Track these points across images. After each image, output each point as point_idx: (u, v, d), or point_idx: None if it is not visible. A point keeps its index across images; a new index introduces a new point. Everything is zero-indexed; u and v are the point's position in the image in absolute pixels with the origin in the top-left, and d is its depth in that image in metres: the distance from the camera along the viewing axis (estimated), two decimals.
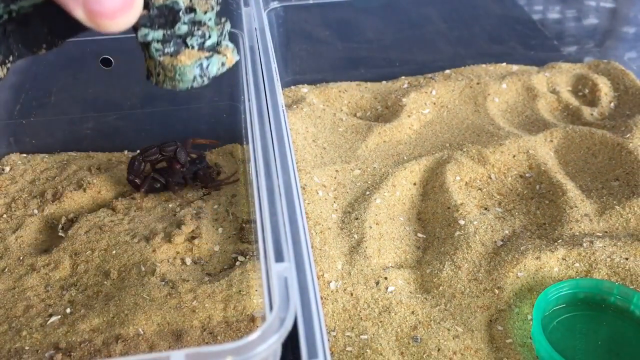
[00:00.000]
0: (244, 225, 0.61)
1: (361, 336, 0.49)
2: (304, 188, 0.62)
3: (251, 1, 0.65)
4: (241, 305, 0.51)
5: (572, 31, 0.93)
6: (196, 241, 0.58)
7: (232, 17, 0.64)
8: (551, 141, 0.69)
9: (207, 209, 0.63)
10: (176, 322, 0.50)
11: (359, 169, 0.67)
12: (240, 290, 0.53)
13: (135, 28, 0.42)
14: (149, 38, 0.42)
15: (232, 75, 0.69)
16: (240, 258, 0.57)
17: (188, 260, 0.57)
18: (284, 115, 0.47)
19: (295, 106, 0.76)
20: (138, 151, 0.66)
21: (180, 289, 0.53)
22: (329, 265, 0.54)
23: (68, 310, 0.52)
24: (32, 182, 0.68)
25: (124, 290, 0.53)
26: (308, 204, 0.60)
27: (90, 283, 0.55)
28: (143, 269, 0.55)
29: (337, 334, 0.49)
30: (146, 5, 0.41)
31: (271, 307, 0.33)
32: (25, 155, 0.72)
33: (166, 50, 0.42)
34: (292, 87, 0.81)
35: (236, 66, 0.67)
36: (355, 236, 0.58)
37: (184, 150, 0.64)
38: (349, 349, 0.48)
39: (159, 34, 0.42)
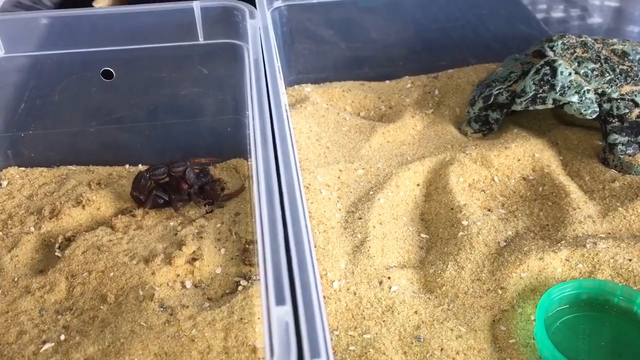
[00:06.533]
0: (247, 246, 0.59)
1: (364, 335, 0.49)
2: (307, 187, 0.62)
3: (256, 2, 0.65)
4: (242, 334, 0.49)
5: (576, 30, 0.93)
6: (197, 263, 0.56)
7: (237, 28, 0.63)
8: (556, 143, 0.69)
9: (210, 228, 0.60)
10: (174, 353, 0.48)
11: (363, 168, 0.67)
12: (241, 318, 0.50)
13: (606, 133, 0.64)
14: (617, 141, 0.63)
15: (236, 89, 0.68)
16: (243, 282, 0.55)
17: (188, 284, 0.55)
18: (289, 124, 0.46)
19: (298, 105, 0.76)
20: (146, 168, 0.63)
21: (179, 316, 0.51)
22: (332, 264, 0.54)
23: (62, 337, 0.50)
24: (29, 198, 0.66)
25: (121, 316, 0.51)
26: (311, 203, 0.60)
27: (86, 307, 0.53)
28: (141, 293, 0.53)
29: (340, 333, 0.49)
30: (620, 118, 0.63)
31: (272, 354, 0.32)
32: (23, 169, 0.70)
33: (627, 152, 0.63)
34: (296, 87, 0.81)
35: (240, 79, 0.66)
36: (359, 235, 0.58)
37: (193, 171, 0.62)
38: (351, 348, 0.48)
39: (624, 139, 0.63)
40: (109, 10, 0.64)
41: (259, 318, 0.50)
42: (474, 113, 0.71)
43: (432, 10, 0.87)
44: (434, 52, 0.87)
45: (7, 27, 0.62)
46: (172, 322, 0.50)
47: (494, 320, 0.50)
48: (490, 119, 0.70)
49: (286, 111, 0.47)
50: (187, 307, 0.52)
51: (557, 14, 0.97)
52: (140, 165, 0.71)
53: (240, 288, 0.54)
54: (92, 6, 1.01)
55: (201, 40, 0.64)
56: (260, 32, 0.58)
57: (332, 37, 0.83)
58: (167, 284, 0.54)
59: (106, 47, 0.64)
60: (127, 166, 0.71)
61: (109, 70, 0.66)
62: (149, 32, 0.63)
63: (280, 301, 0.34)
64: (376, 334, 0.49)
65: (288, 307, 0.33)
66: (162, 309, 0.52)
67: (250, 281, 0.55)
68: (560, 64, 0.65)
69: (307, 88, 0.80)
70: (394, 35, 0.87)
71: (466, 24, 0.90)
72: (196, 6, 0.62)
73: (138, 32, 0.63)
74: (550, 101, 0.65)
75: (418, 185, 0.66)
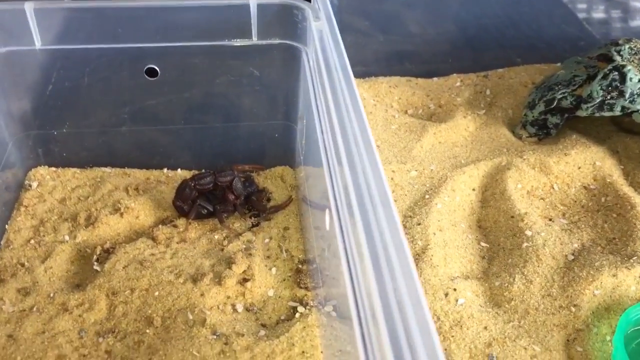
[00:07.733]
0: (300, 266, 0.54)
1: None
2: None
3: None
4: None
5: (620, 32, 0.91)
6: (248, 284, 0.51)
7: (295, 29, 0.58)
8: (617, 151, 0.66)
9: (258, 244, 0.56)
10: None
11: (416, 170, 0.64)
12: (303, 351, 0.46)
13: None
14: None
15: (289, 93, 0.62)
16: (300, 309, 0.50)
17: (239, 307, 0.50)
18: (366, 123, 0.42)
19: None
20: (186, 173, 0.58)
21: (234, 346, 0.46)
22: None
23: None
24: (62, 202, 0.60)
25: (170, 343, 0.46)
26: None
27: (130, 330, 0.48)
28: (191, 317, 0.49)
29: None
30: None
31: None
32: (54, 169, 0.65)
33: None
34: None
35: (295, 83, 0.60)
36: (419, 243, 0.55)
37: (241, 181, 0.58)
38: None
39: None
40: (156, 3, 0.57)
41: (322, 352, 0.46)
42: (533, 116, 0.68)
43: (472, 7, 0.85)
44: (477, 49, 0.84)
45: (44, 17, 0.55)
46: (228, 353, 0.45)
47: (568, 340, 0.48)
48: (548, 123, 0.68)
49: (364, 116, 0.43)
50: (243, 335, 0.47)
51: (598, 14, 0.94)
52: (179, 169, 0.66)
53: (297, 315, 0.50)
54: None
55: (255, 40, 0.58)
56: (327, 30, 0.53)
57: (378, 30, 0.80)
58: (218, 307, 0.50)
59: (151, 43, 0.58)
60: (165, 170, 0.66)
61: (154, 68, 0.60)
62: (199, 29, 0.58)
63: None
64: (445, 349, 0.47)
65: None
66: (215, 337, 0.47)
67: (307, 307, 0.51)
68: (629, 70, 0.62)
69: None
70: (434, 31, 0.84)
71: (508, 21, 0.87)
72: (252, 3, 0.57)
73: (187, 28, 0.58)
74: (619, 108, 0.62)
75: (474, 190, 0.63)
